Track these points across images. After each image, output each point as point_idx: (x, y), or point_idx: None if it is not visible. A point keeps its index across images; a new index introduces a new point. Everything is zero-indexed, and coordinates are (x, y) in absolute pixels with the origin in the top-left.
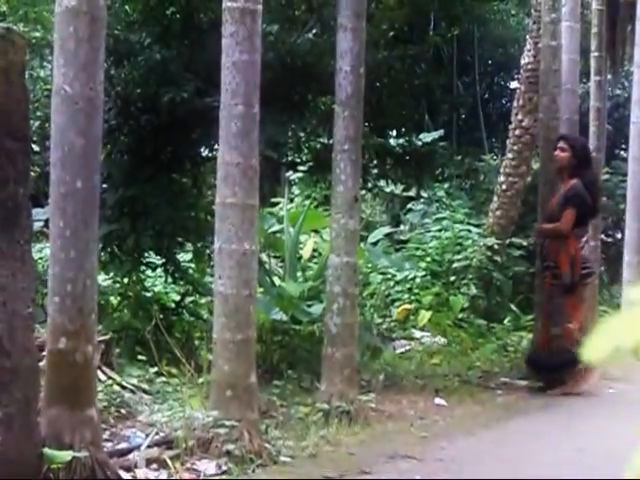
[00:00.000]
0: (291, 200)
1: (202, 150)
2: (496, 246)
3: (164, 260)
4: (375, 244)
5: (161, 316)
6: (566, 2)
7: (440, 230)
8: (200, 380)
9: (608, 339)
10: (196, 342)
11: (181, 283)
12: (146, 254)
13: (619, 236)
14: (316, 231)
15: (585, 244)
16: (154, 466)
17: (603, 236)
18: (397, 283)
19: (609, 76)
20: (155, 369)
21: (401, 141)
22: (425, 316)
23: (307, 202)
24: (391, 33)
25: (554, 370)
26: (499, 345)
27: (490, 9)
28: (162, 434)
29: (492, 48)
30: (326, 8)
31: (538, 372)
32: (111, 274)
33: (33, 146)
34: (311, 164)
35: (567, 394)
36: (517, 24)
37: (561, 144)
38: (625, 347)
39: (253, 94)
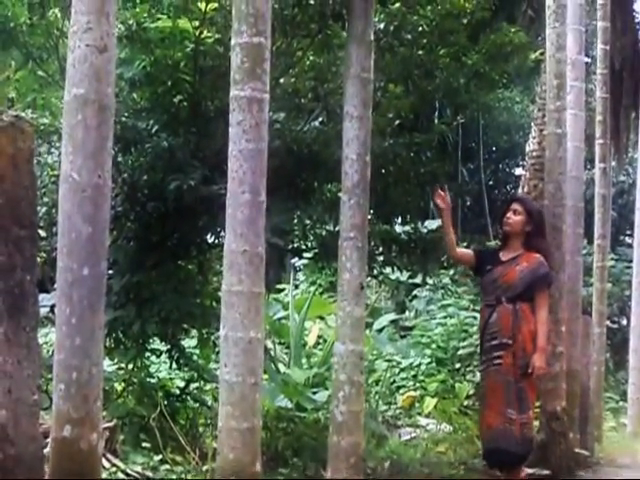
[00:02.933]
0: (296, 286)
1: (208, 237)
2: None
3: (169, 346)
4: (380, 331)
5: (165, 402)
6: (571, 90)
7: (445, 317)
8: (205, 468)
9: None
10: (200, 429)
11: (186, 369)
12: (151, 340)
13: (624, 322)
14: (321, 317)
15: None
16: None
17: (608, 322)
18: (402, 370)
19: (613, 163)
20: (159, 457)
21: (407, 228)
22: (430, 403)
23: (312, 288)
24: (397, 121)
25: (520, 462)
26: None
27: (495, 97)
28: None
29: (497, 135)
30: (332, 97)
31: (502, 465)
32: (116, 360)
33: (40, 232)
34: (317, 251)
35: None
36: (522, 111)
37: (515, 206)
38: None
39: (260, 182)
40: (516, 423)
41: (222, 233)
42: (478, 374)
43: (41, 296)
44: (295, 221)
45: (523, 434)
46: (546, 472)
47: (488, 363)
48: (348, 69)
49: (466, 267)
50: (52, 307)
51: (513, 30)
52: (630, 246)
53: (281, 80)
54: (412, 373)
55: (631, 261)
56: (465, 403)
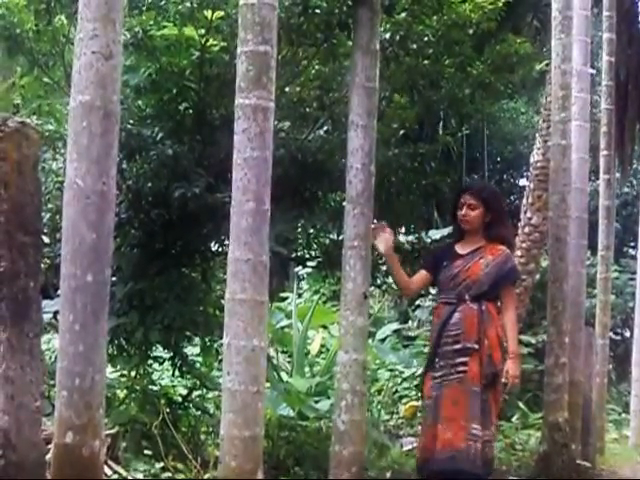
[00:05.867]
0: (300, 295)
1: (212, 245)
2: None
3: (172, 354)
4: (383, 340)
5: (168, 410)
6: (576, 101)
7: None
8: (206, 476)
9: None
10: (202, 437)
11: (188, 377)
12: (154, 347)
13: (627, 334)
14: (324, 326)
15: None
16: None
17: (612, 334)
18: (405, 380)
19: (618, 174)
20: (161, 464)
21: (410, 238)
22: None
23: (315, 297)
24: (402, 131)
25: None
26: (507, 443)
27: (500, 107)
28: None
29: (501, 146)
30: (337, 106)
31: None
32: (118, 367)
33: (44, 238)
34: (320, 260)
35: None
36: (526, 122)
37: (469, 200)
38: None
39: (264, 190)
40: (480, 441)
41: (226, 241)
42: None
43: (44, 302)
44: (299, 230)
45: (485, 453)
46: None
47: (448, 370)
48: (353, 78)
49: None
50: (55, 313)
51: (519, 41)
52: (634, 258)
53: (286, 89)
54: (414, 383)
55: (634, 273)
56: None
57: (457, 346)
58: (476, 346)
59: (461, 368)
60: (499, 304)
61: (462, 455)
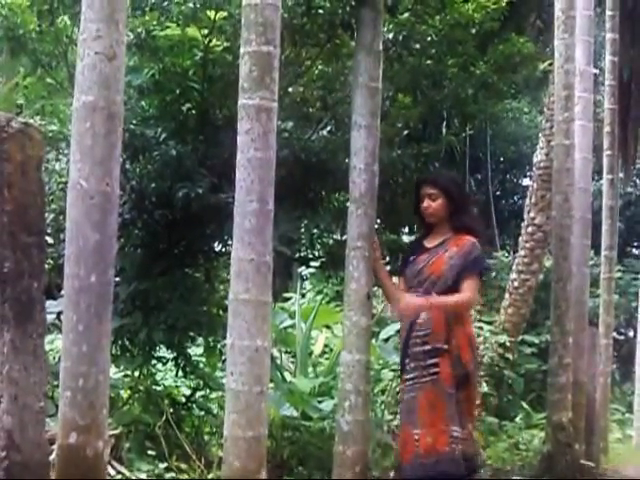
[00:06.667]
0: (303, 295)
1: (216, 245)
2: (508, 343)
3: (175, 354)
4: (387, 340)
5: (171, 410)
6: (579, 101)
7: None
8: (210, 476)
9: None
10: (206, 437)
11: (192, 377)
12: (157, 348)
13: (631, 334)
14: (328, 327)
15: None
16: None
17: (615, 334)
18: None
19: (621, 174)
20: (165, 464)
21: (413, 238)
22: None
23: (319, 297)
24: (405, 131)
25: None
26: (511, 443)
27: (503, 107)
28: None
29: (505, 146)
30: (341, 106)
31: None
32: (122, 367)
33: (47, 238)
34: (324, 260)
35: None
36: (530, 122)
37: (429, 190)
38: None
39: (267, 191)
40: (461, 442)
41: (229, 241)
42: (484, 384)
43: (48, 303)
44: (302, 230)
45: (467, 453)
46: None
47: (420, 372)
48: (356, 78)
49: None
50: (59, 314)
51: (522, 41)
52: (637, 258)
53: (290, 89)
54: None
55: (638, 273)
56: None
57: (427, 347)
58: (445, 346)
59: (433, 370)
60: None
61: (446, 458)
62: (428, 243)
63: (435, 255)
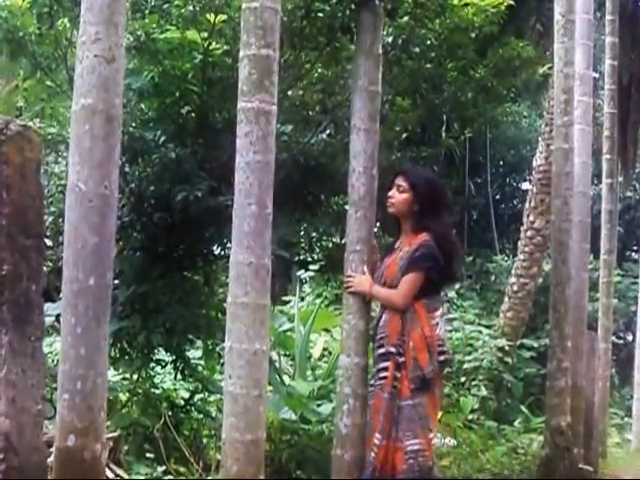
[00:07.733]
0: (302, 299)
1: (214, 248)
2: (507, 347)
3: (174, 357)
4: None
5: (170, 413)
6: (578, 105)
7: (451, 331)
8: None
9: None
10: (204, 440)
11: (190, 380)
12: (156, 351)
13: (630, 338)
14: (327, 330)
15: (440, 320)
16: None
17: (614, 338)
18: None
19: (620, 178)
20: (163, 467)
21: None
22: None
23: (318, 301)
24: (404, 135)
25: None
26: (509, 447)
27: (503, 111)
28: None
29: (504, 149)
30: (340, 109)
31: None
32: (120, 370)
33: (46, 241)
34: (323, 263)
35: None
36: (529, 126)
37: (399, 180)
38: None
39: (266, 194)
40: (419, 455)
41: (228, 244)
42: (483, 388)
43: (46, 305)
44: (301, 233)
45: (424, 465)
46: None
47: (374, 377)
48: (356, 82)
49: None
50: (57, 317)
51: (521, 44)
52: (636, 262)
53: (289, 92)
54: None
55: (637, 277)
56: (469, 417)
57: (381, 350)
58: (392, 349)
59: (382, 374)
60: (426, 301)
61: (405, 476)
62: (395, 244)
63: (391, 258)
